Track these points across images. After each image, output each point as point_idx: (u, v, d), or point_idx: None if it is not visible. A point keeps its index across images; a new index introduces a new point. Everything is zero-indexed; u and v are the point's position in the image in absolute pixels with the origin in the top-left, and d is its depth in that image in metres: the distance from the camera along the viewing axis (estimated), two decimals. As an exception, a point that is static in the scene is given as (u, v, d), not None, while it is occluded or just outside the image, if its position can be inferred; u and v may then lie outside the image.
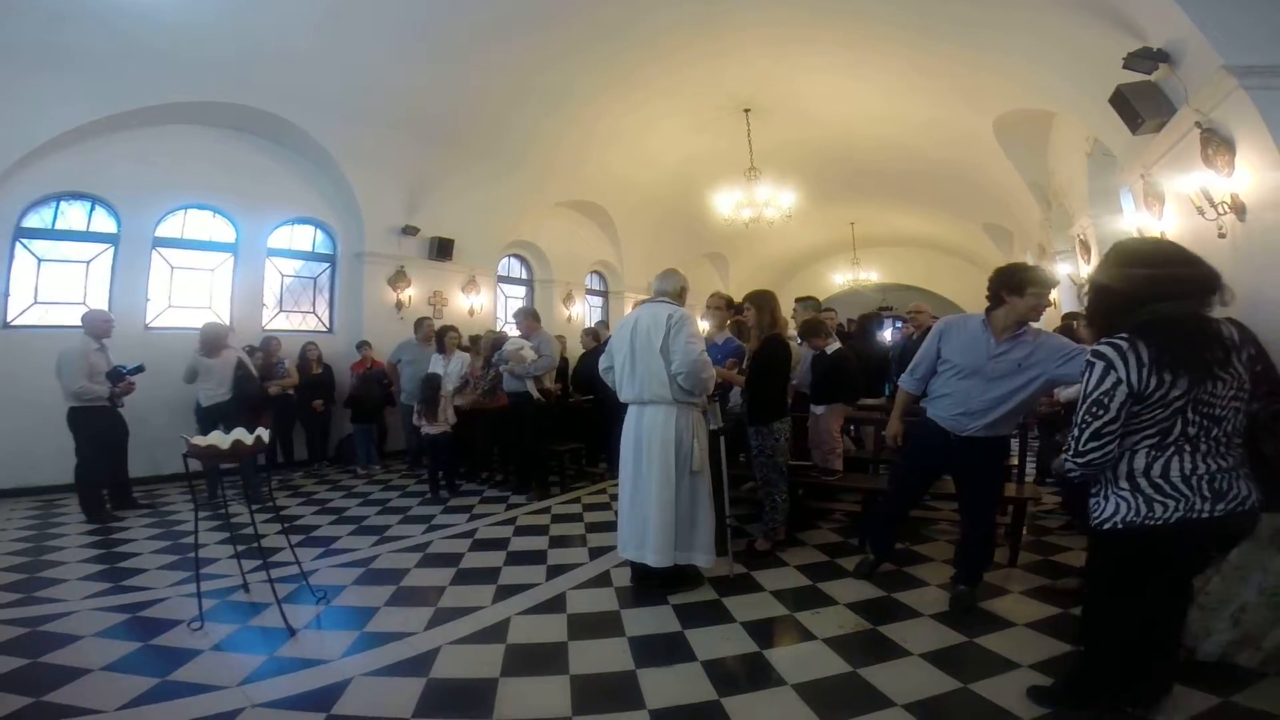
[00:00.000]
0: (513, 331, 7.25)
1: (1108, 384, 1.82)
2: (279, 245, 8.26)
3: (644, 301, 3.71)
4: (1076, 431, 1.90)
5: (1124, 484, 1.91)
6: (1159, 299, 1.82)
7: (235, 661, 2.78)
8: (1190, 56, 4.08)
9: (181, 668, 2.72)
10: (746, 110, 8.30)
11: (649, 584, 3.53)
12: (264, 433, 3.27)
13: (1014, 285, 2.95)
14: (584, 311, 11.94)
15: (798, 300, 5.71)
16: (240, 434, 3.16)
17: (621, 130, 8.81)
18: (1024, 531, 4.13)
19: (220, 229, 7.82)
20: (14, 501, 5.87)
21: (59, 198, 6.78)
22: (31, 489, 6.13)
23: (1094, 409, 1.85)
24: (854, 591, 3.49)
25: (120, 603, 3.47)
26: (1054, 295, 4.44)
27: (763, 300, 4.24)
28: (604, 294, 12.78)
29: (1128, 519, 1.89)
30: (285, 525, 4.41)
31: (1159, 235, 4.87)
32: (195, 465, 3.25)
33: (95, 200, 6.95)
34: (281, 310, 8.34)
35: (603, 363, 3.83)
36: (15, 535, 4.83)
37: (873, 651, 2.78)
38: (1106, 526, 1.94)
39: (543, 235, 11.08)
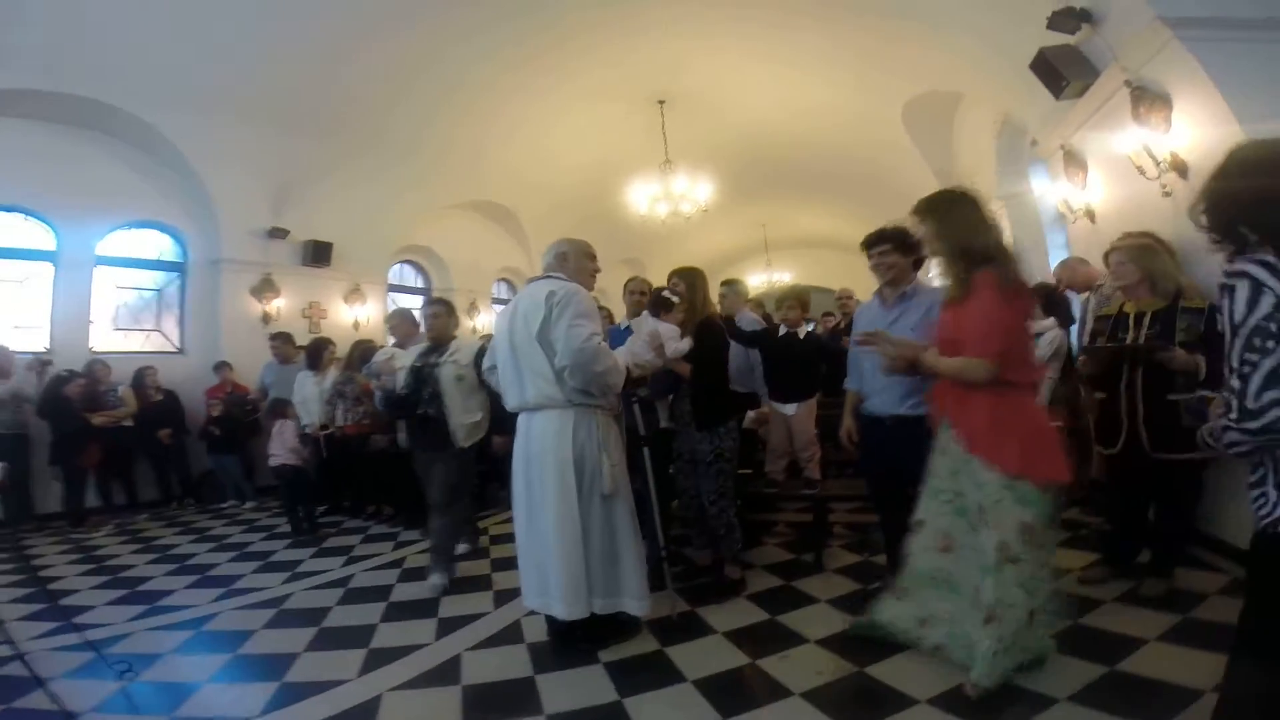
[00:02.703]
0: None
1: (1265, 307, 1.26)
2: (113, 253, 6.88)
3: (530, 281, 2.92)
4: (1238, 381, 1.27)
5: None
6: None
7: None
8: (1116, 13, 3.88)
9: None
10: (661, 102, 7.79)
11: (571, 638, 2.75)
12: None
13: (865, 250, 2.96)
14: (492, 323, 10.97)
15: (724, 284, 5.15)
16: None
17: (525, 124, 8.06)
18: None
19: (36, 234, 6.41)
20: None
21: None
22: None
23: (1256, 341, 1.25)
24: (821, 623, 2.86)
25: None
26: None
27: (694, 277, 3.53)
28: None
29: None
30: (109, 578, 3.72)
31: (1085, 206, 4.72)
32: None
33: None
34: (118, 329, 6.95)
35: (485, 361, 3.10)
36: None
37: (868, 704, 2.16)
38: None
39: (441, 240, 10.07)
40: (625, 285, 4.14)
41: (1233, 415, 1.28)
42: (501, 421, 3.58)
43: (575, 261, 2.93)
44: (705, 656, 2.62)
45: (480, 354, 3.65)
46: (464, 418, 3.72)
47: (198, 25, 5.49)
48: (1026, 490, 2.18)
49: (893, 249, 2.88)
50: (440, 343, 3.88)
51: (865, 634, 2.58)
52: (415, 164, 8.27)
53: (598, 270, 3.07)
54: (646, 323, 3.39)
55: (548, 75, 7.12)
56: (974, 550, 2.29)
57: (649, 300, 3.50)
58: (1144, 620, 2.57)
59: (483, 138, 8.27)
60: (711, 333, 3.42)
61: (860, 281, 15.09)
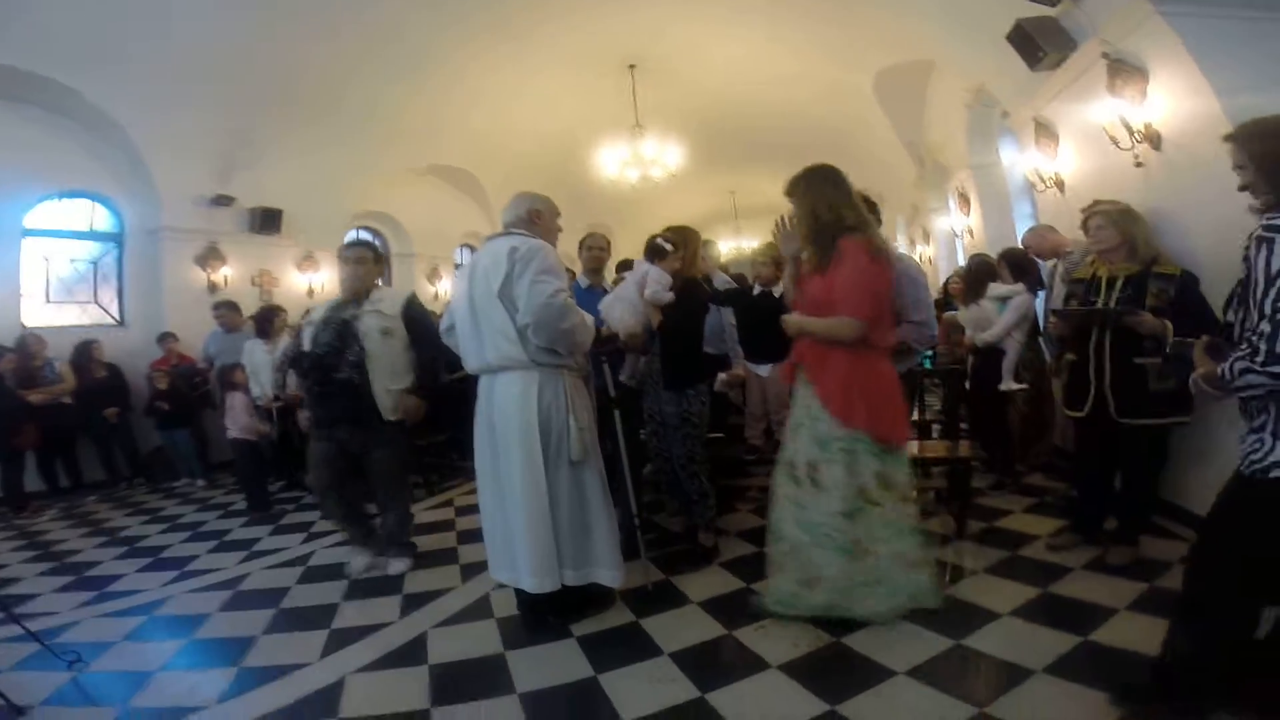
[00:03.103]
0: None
1: None
2: (41, 225, 6.41)
3: (490, 238, 2.74)
4: (1269, 326, 1.33)
5: None
6: None
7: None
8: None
9: None
10: (632, 66, 7.50)
11: (543, 612, 2.66)
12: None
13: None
14: (453, 288, 10.68)
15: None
16: None
17: (489, 89, 7.69)
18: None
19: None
20: None
21: None
22: None
23: None
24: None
25: None
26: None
27: (687, 235, 3.42)
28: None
29: None
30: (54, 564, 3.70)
31: (1055, 176, 4.73)
32: None
33: None
34: (51, 302, 6.51)
35: (443, 323, 2.90)
36: None
37: (847, 676, 2.13)
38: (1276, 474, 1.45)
39: (400, 206, 9.70)
40: (582, 242, 3.97)
41: (1259, 359, 1.35)
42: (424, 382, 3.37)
43: (548, 220, 2.81)
44: (681, 628, 2.57)
45: (410, 304, 3.41)
46: (390, 383, 3.28)
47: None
48: (873, 445, 2.40)
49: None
50: (357, 297, 3.38)
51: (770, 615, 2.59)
52: (373, 131, 7.85)
53: (561, 230, 2.93)
54: (639, 268, 3.28)
55: (515, 41, 6.77)
56: (827, 503, 2.43)
57: (646, 247, 3.33)
58: (1112, 588, 2.60)
59: (444, 104, 7.88)
60: (693, 295, 3.34)
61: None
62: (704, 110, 8.61)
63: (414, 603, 3.02)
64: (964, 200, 7.60)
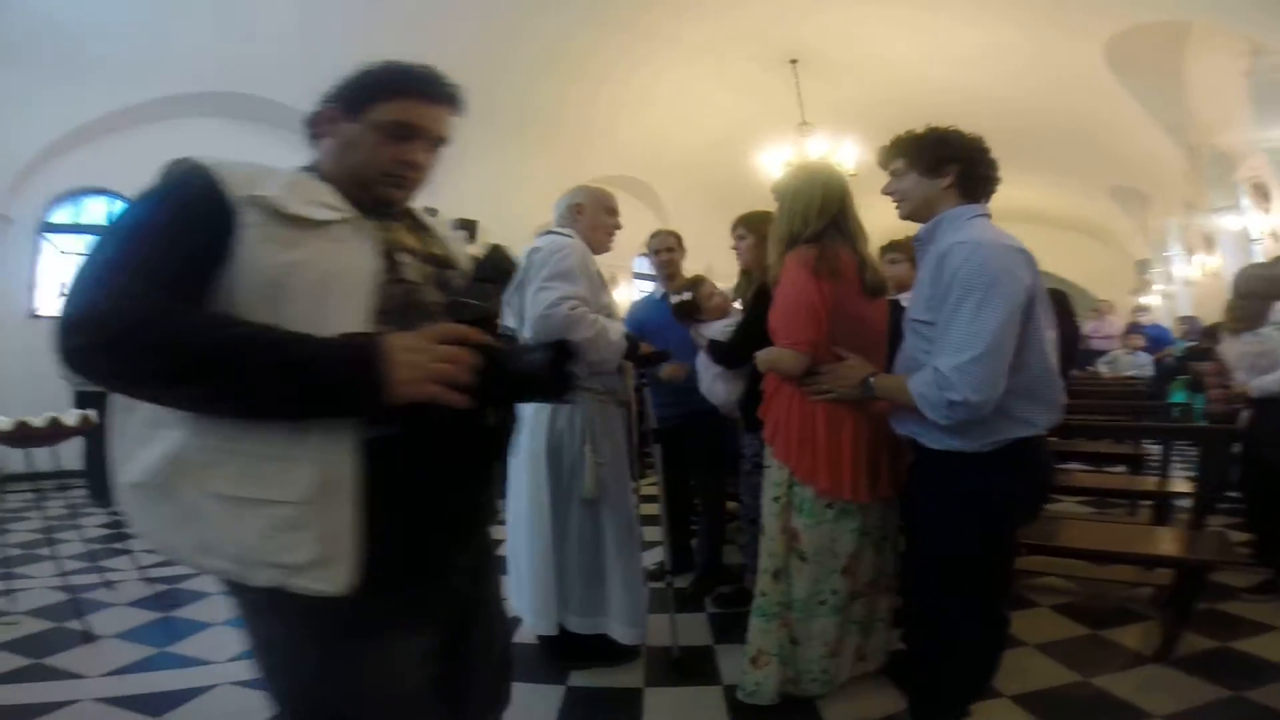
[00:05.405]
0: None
1: None
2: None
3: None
4: None
5: None
6: None
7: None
8: None
9: None
10: (793, 61, 7.03)
11: (547, 649, 2.54)
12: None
13: None
14: (630, 297, 11.00)
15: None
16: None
17: (649, 94, 7.79)
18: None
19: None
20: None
21: (79, 194, 6.96)
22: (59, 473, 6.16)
23: None
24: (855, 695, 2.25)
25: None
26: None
27: (765, 226, 2.48)
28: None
29: None
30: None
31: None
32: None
33: (112, 195, 6.98)
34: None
35: None
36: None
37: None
38: None
39: (581, 217, 10.28)
40: (646, 244, 3.63)
41: None
42: None
43: (592, 216, 2.49)
44: (688, 708, 2.26)
45: None
46: None
47: (331, 23, 6.00)
48: (801, 491, 2.06)
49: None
50: None
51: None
52: (553, 143, 8.42)
53: (617, 227, 2.61)
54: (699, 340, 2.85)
55: (671, 49, 6.79)
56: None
57: (675, 312, 2.87)
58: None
59: (609, 113, 8.13)
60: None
61: (1062, 262, 12.77)
62: (883, 103, 7.67)
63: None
64: (1259, 193, 5.77)
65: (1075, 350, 3.60)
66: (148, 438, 0.90)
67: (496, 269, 1.18)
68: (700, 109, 8.17)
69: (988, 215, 1.72)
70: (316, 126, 1.12)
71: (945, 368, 1.53)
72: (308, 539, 0.87)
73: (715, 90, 7.74)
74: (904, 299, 2.36)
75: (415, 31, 6.33)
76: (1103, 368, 8.10)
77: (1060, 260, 12.91)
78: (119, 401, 0.92)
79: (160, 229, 0.89)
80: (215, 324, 0.86)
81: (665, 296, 3.41)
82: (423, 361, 0.87)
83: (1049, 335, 1.64)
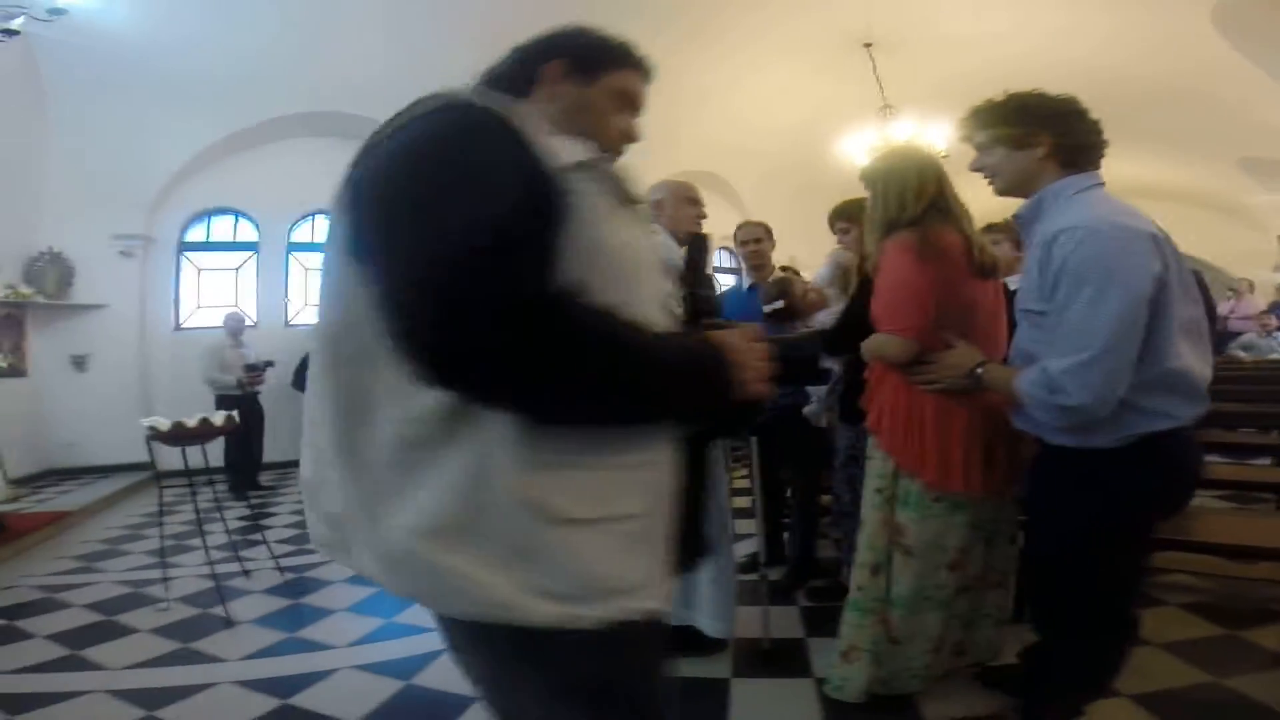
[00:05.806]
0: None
1: None
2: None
3: None
4: None
5: None
6: None
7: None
8: None
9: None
10: (867, 45, 6.77)
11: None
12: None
13: None
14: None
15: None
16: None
17: (725, 93, 7.71)
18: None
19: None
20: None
21: (209, 214, 7.61)
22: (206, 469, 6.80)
23: None
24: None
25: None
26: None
27: (862, 214, 2.53)
28: (738, 273, 11.58)
29: None
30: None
31: None
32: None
33: (238, 213, 7.67)
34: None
35: None
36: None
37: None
38: None
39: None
40: (733, 235, 3.57)
41: None
42: None
43: (673, 209, 2.50)
44: (773, 700, 2.25)
45: None
46: None
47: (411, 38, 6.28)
48: (907, 484, 1.97)
49: None
50: None
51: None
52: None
53: (702, 216, 2.60)
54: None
55: (736, 33, 6.69)
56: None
57: (770, 308, 2.87)
58: None
59: (678, 108, 8.10)
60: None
61: (1190, 239, 11.52)
62: (968, 81, 7.24)
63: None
64: None
65: (1213, 333, 3.29)
66: (423, 468, 0.71)
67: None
68: (775, 100, 8.02)
69: (1100, 185, 1.53)
70: (527, 77, 1.00)
71: (1055, 370, 1.40)
72: (646, 553, 0.78)
73: (790, 80, 7.58)
74: (1011, 282, 2.25)
75: (498, 48, 6.60)
76: (1239, 351, 7.33)
77: (1187, 238, 11.73)
78: (381, 425, 0.74)
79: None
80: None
81: (753, 288, 3.43)
82: (752, 361, 0.83)
83: (1190, 315, 1.48)
